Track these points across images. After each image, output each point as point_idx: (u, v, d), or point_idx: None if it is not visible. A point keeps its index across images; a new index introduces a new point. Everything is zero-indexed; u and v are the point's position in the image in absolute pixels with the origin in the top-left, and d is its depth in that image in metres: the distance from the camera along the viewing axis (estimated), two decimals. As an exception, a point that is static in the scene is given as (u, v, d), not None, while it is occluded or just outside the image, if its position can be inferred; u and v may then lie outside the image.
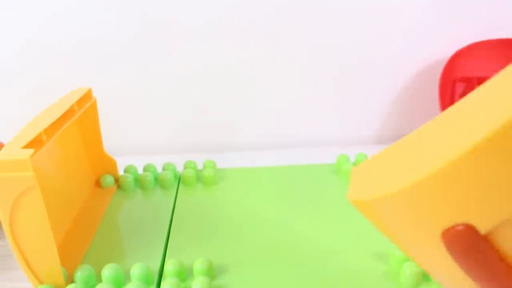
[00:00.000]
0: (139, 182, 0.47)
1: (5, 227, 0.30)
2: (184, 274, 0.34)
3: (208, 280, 0.32)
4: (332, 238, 0.38)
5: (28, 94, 0.58)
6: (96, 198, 0.44)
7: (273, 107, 0.62)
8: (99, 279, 0.33)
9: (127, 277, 0.34)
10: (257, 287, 0.33)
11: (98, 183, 0.47)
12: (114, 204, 0.44)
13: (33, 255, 0.31)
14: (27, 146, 0.30)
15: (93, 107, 0.43)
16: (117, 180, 0.47)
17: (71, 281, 0.33)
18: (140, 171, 0.49)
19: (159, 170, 0.49)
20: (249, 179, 0.48)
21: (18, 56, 0.57)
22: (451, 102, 0.56)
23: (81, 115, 0.41)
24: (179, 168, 0.50)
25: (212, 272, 0.34)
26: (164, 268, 0.34)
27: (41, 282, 0.32)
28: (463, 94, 0.48)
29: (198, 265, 0.33)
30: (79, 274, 0.33)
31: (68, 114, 0.37)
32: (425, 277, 0.33)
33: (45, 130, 0.33)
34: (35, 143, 0.31)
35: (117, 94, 0.60)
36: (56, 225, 0.33)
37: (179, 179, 0.48)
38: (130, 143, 0.62)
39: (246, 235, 0.39)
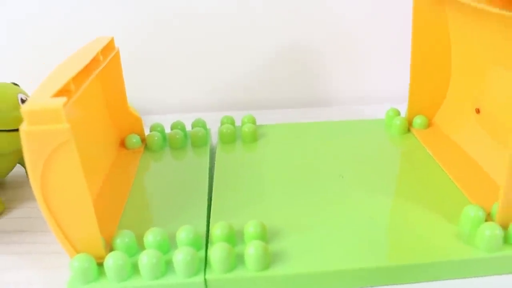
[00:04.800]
0: (168, 141, 0.43)
1: (36, 189, 0.26)
2: (234, 238, 0.30)
3: (263, 244, 0.28)
4: (389, 197, 0.35)
5: (47, 44, 0.54)
6: (124, 160, 0.41)
7: (314, 64, 0.57)
8: (140, 246, 0.30)
9: (172, 243, 0.30)
10: (316, 250, 0.30)
11: (123, 144, 0.43)
12: (144, 166, 0.40)
13: (69, 221, 0.27)
14: (56, 95, 0.26)
15: (116, 58, 0.39)
16: (143, 140, 0.43)
17: (110, 249, 0.30)
18: (167, 130, 0.45)
19: (188, 128, 0.45)
20: (291, 135, 0.44)
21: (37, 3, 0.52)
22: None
23: (104, 67, 0.36)
24: (210, 126, 0.46)
25: (265, 236, 0.30)
26: (211, 232, 0.30)
27: (78, 251, 0.28)
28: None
29: (251, 228, 0.30)
30: (120, 241, 0.29)
31: (93, 63, 0.33)
32: (505, 239, 0.29)
33: (73, 79, 0.29)
34: (64, 93, 0.27)
35: (144, 48, 0.55)
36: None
37: (210, 137, 0.44)
38: (156, 103, 0.57)
39: (295, 195, 0.35)
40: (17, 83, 0.39)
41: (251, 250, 0.28)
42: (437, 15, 0.40)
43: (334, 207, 0.34)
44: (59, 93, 0.26)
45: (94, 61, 0.34)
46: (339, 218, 0.33)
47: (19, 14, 0.53)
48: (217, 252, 0.28)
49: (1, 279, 0.31)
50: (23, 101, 0.38)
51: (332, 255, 0.29)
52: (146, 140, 0.43)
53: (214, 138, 0.45)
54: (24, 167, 0.44)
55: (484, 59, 0.37)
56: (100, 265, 0.28)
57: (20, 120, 0.36)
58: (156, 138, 0.42)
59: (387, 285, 0.29)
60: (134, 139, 0.42)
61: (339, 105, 0.58)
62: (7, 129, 0.36)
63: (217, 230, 0.30)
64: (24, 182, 0.44)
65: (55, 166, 0.25)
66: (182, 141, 0.43)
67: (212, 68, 0.56)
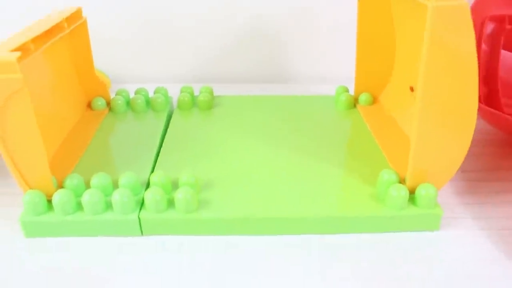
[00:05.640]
0: (130, 105, 0.47)
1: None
2: (169, 186, 0.35)
3: (192, 191, 0.33)
4: (322, 161, 0.39)
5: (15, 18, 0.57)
6: (88, 120, 0.45)
7: (275, 40, 0.61)
8: (88, 188, 0.34)
9: (115, 187, 0.35)
10: (239, 200, 0.34)
11: (89, 106, 0.47)
12: (105, 125, 0.44)
13: (23, 160, 0.31)
14: (14, 51, 0.30)
15: (83, 26, 0.43)
16: (108, 103, 0.48)
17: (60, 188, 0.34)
18: (132, 95, 0.49)
19: (151, 95, 0.49)
20: (245, 106, 0.48)
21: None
22: (478, 44, 0.51)
23: (71, 33, 0.41)
24: (172, 94, 0.50)
25: (197, 185, 0.34)
26: (150, 179, 0.35)
27: (30, 188, 0.33)
28: (493, 35, 0.46)
29: (184, 177, 0.34)
30: (69, 182, 0.34)
31: (56, 28, 0.37)
32: (410, 199, 0.34)
33: (33, 40, 0.33)
34: (22, 50, 0.31)
35: (113, 18, 0.59)
36: (46, 140, 0.33)
37: (171, 105, 0.48)
38: (123, 72, 0.62)
39: (236, 157, 0.39)
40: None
41: (180, 194, 0.32)
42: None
43: (266, 166, 0.38)
44: (17, 50, 0.30)
45: (58, 27, 0.38)
46: (268, 175, 0.37)
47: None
48: (150, 194, 0.32)
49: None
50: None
51: (253, 204, 0.33)
52: (110, 103, 0.47)
53: (175, 107, 0.49)
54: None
55: (416, 41, 0.41)
56: (50, 201, 0.33)
57: None
58: (119, 101, 0.47)
59: (303, 234, 0.33)
60: (99, 102, 0.47)
61: (297, 83, 0.62)
62: None
63: (154, 177, 0.34)
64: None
65: (11, 112, 0.30)
66: (143, 105, 0.47)
67: (176, 42, 0.60)
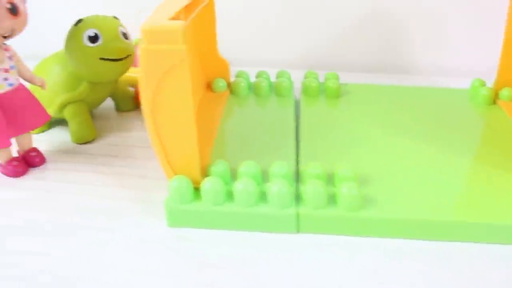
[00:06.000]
0: (253, 88, 0.44)
1: (146, 108, 0.27)
2: (325, 179, 0.31)
3: (357, 186, 0.29)
4: (474, 162, 0.34)
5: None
6: (210, 102, 0.42)
7: (398, 30, 0.56)
8: (233, 177, 0.31)
9: (264, 177, 0.31)
10: (402, 199, 0.30)
11: (209, 87, 0.44)
12: (229, 109, 0.41)
13: (173, 142, 0.28)
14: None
15: (211, 5, 0.40)
16: (229, 85, 0.44)
17: (204, 176, 0.31)
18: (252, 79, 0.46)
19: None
20: (373, 95, 0.44)
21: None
22: None
23: (199, 11, 0.37)
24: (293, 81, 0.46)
25: (356, 179, 0.30)
26: (303, 169, 0.31)
27: (176, 174, 0.29)
28: None
29: (343, 170, 0.30)
30: (215, 169, 0.30)
31: (192, 4, 0.34)
32: None
33: (179, 12, 0.29)
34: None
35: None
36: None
37: (294, 89, 0.45)
38: (243, 56, 0.58)
39: (382, 150, 0.35)
40: (117, 17, 0.40)
41: (345, 190, 0.28)
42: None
43: (419, 163, 0.34)
44: (174, 19, 0.27)
45: (194, 3, 0.34)
46: (424, 173, 0.32)
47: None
48: (311, 188, 0.28)
49: (98, 193, 0.33)
50: (123, 34, 0.39)
51: (417, 204, 0.29)
52: (231, 86, 0.44)
53: (297, 93, 0.46)
54: (115, 100, 0.45)
55: None
56: (195, 189, 0.29)
57: (120, 50, 0.38)
58: (242, 84, 0.43)
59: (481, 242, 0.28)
60: (221, 83, 0.43)
61: (422, 75, 0.57)
62: (110, 57, 0.38)
63: (309, 168, 0.30)
64: (111, 114, 0.46)
65: (168, 86, 0.26)
66: (267, 89, 0.43)
67: (298, 28, 0.57)
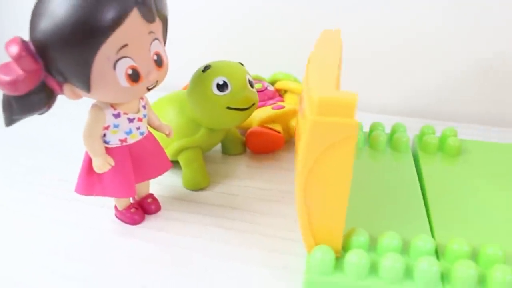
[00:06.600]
0: (369, 140, 0.43)
1: (300, 175, 0.26)
2: (469, 257, 0.29)
3: (510, 270, 0.27)
4: None
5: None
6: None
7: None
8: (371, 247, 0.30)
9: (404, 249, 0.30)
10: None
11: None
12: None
13: (321, 214, 0.27)
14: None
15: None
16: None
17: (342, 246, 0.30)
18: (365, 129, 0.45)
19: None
20: (497, 156, 0.42)
21: None
22: None
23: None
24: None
25: (504, 262, 0.29)
26: (447, 246, 0.29)
27: (317, 244, 0.29)
28: None
29: (491, 250, 0.29)
30: (356, 239, 0.29)
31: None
32: None
33: (338, 74, 0.29)
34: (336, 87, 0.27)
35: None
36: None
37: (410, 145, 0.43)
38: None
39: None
40: (242, 63, 0.40)
41: (498, 274, 0.27)
42: None
43: None
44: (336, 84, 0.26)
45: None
46: None
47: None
48: (461, 269, 0.27)
49: (222, 251, 0.33)
50: (249, 82, 0.39)
51: None
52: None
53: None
54: (224, 143, 0.45)
55: None
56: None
57: (247, 100, 0.37)
58: (359, 136, 0.42)
59: None
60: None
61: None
62: (237, 107, 0.38)
63: (454, 245, 0.29)
64: (218, 158, 0.46)
65: (330, 158, 0.26)
66: (384, 143, 0.42)
67: (413, 74, 0.56)
